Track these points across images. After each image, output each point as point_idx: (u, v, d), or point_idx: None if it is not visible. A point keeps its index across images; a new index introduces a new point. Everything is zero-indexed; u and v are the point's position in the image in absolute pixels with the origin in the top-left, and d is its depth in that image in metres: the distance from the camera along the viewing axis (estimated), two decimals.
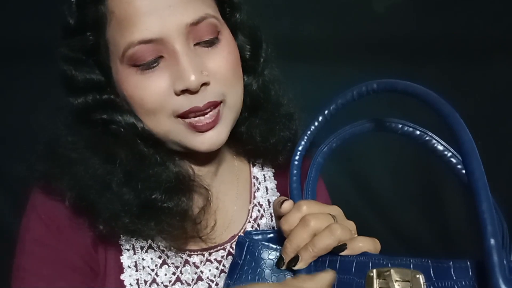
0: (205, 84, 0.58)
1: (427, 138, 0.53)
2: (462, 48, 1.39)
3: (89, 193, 0.59)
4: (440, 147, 0.52)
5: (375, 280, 0.45)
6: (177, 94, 0.58)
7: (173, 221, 0.60)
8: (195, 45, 0.59)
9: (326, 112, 0.53)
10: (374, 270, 0.45)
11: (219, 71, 0.60)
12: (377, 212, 1.50)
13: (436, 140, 0.52)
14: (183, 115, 0.59)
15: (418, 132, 0.53)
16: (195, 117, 0.59)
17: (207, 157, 0.68)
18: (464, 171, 0.49)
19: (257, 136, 0.70)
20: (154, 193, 0.59)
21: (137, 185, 0.59)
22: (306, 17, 1.34)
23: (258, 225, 0.73)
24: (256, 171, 0.78)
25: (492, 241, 0.39)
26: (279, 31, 1.27)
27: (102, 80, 0.63)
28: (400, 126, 0.54)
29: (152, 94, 0.58)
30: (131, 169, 0.60)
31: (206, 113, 0.59)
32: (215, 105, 0.60)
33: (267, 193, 0.76)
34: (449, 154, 0.52)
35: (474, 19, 1.39)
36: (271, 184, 0.78)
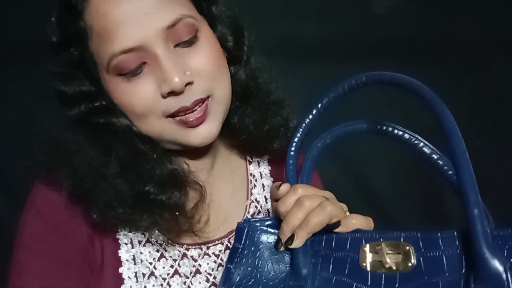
0: (189, 83, 0.60)
1: (415, 141, 0.56)
2: (462, 48, 1.39)
3: (85, 182, 0.60)
4: (427, 150, 0.55)
5: (368, 254, 0.48)
6: (164, 97, 0.60)
7: (165, 214, 0.62)
8: (175, 46, 0.60)
9: (319, 105, 0.57)
10: (367, 245, 0.48)
11: (202, 68, 0.61)
12: (377, 212, 1.49)
13: (424, 143, 0.56)
14: (173, 115, 0.61)
15: (407, 136, 0.56)
16: (184, 115, 0.61)
17: (202, 153, 0.69)
18: (450, 172, 0.54)
19: (250, 125, 0.71)
20: (147, 185, 0.61)
21: (132, 177, 0.61)
22: (306, 17, 1.34)
23: None
24: (252, 168, 0.78)
25: (476, 211, 0.41)
26: (279, 31, 1.27)
27: (93, 90, 0.65)
28: (390, 129, 0.57)
29: (141, 99, 0.60)
30: (127, 162, 0.61)
31: (195, 110, 0.61)
32: (202, 101, 0.61)
33: (264, 190, 0.77)
34: (436, 156, 0.55)
35: (474, 19, 1.39)
36: (268, 181, 0.79)
